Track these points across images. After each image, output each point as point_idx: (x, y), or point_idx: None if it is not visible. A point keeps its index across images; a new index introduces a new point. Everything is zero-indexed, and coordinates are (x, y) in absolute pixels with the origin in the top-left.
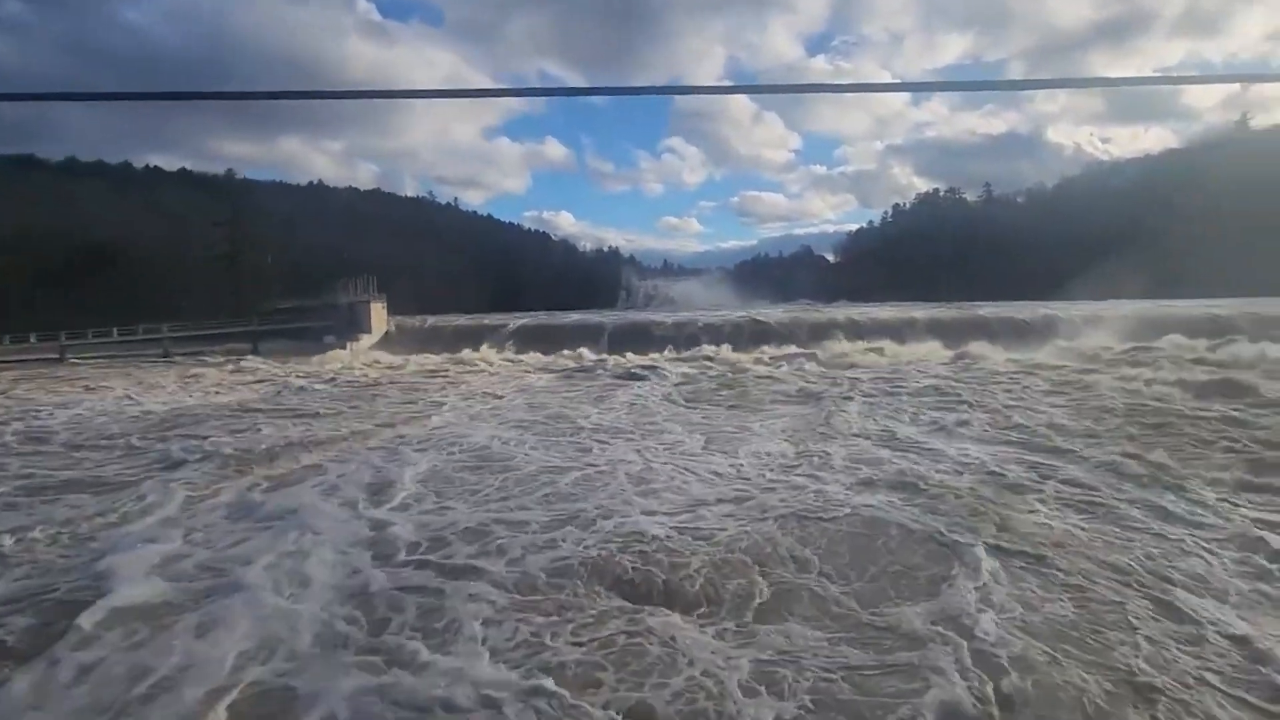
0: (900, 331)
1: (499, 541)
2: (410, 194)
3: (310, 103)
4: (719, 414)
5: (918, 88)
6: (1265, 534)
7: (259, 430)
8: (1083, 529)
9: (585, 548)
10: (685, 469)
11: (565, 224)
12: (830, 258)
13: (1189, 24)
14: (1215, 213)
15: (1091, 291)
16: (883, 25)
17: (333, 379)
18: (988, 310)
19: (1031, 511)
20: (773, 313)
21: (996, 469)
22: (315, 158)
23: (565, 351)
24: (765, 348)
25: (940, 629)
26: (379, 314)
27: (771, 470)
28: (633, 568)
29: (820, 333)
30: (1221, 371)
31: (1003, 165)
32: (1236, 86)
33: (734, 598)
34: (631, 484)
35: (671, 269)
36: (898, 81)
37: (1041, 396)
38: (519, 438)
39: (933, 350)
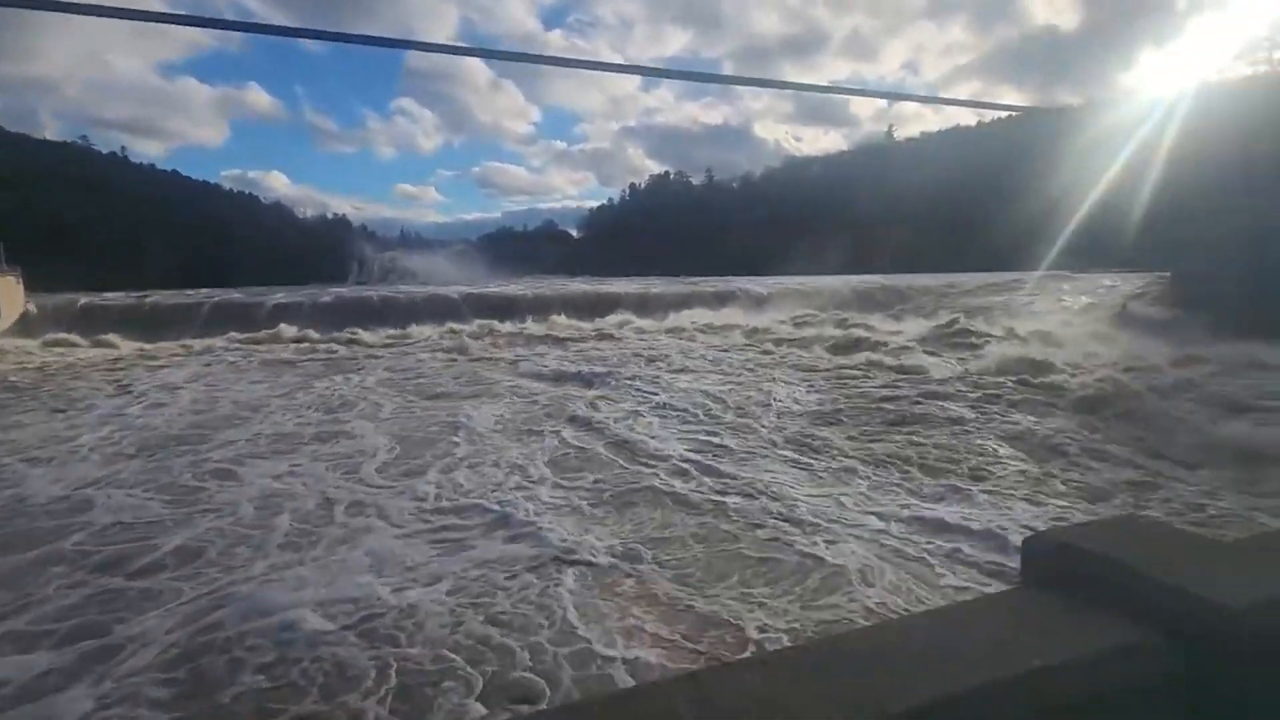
0: (641, 305)
1: None
2: (53, 137)
3: None
4: (434, 407)
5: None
6: None
7: None
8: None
9: None
10: (360, 504)
11: (279, 186)
12: (574, 233)
13: (852, 48)
14: (879, 203)
15: (798, 267)
16: (614, 9)
17: None
18: (715, 284)
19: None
20: (518, 287)
21: (689, 462)
22: None
23: (264, 334)
24: (505, 324)
25: None
26: (10, 291)
27: (477, 496)
28: None
29: (566, 307)
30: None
31: (721, 153)
32: (884, 102)
33: None
34: (266, 544)
35: (410, 240)
36: (625, 63)
37: (779, 369)
38: (129, 472)
39: (670, 323)
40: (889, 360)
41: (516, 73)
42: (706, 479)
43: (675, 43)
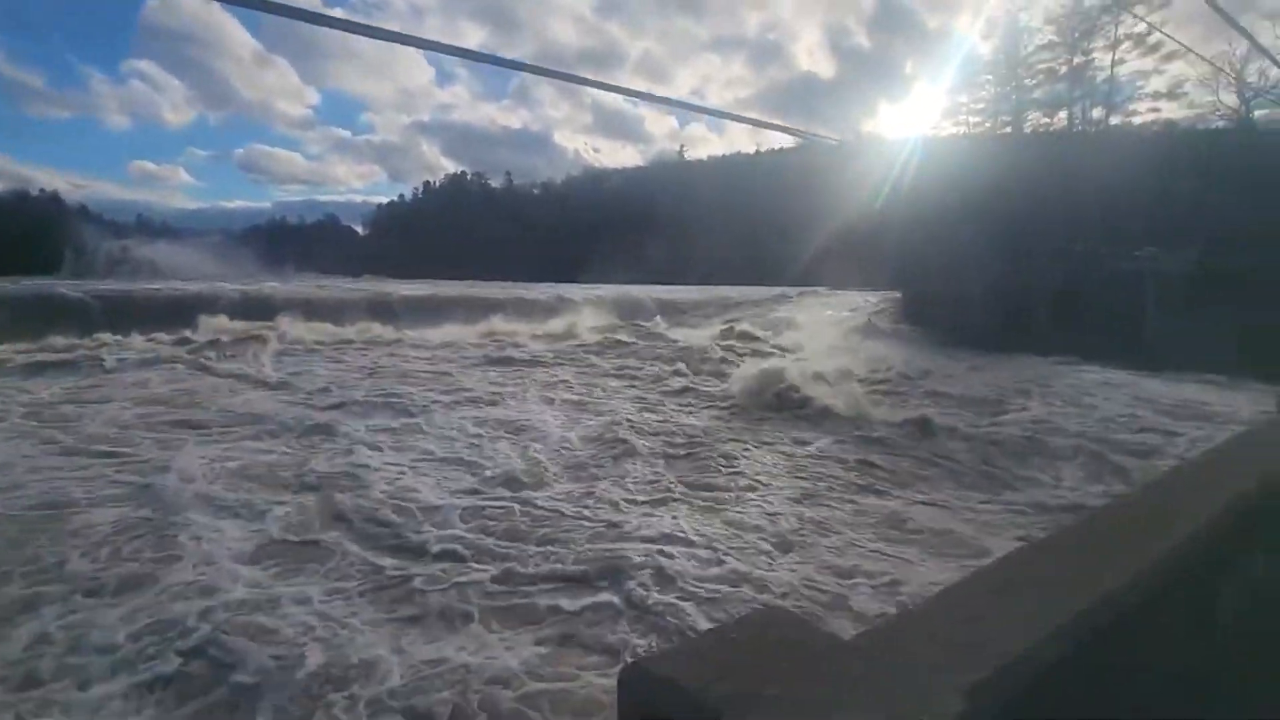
0: (434, 313)
1: None
2: None
3: None
4: (89, 467)
5: None
6: None
7: None
8: None
9: None
10: None
11: None
12: (360, 230)
13: (646, 67)
14: (680, 218)
15: (601, 276)
16: None
17: None
18: (514, 290)
19: None
20: (283, 287)
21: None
22: None
23: None
24: (260, 331)
25: None
26: None
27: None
28: None
29: (338, 311)
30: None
31: (521, 158)
32: (675, 124)
33: None
34: None
35: (152, 227)
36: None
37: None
38: None
39: (457, 334)
40: (679, 380)
41: (289, 50)
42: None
43: (471, 39)
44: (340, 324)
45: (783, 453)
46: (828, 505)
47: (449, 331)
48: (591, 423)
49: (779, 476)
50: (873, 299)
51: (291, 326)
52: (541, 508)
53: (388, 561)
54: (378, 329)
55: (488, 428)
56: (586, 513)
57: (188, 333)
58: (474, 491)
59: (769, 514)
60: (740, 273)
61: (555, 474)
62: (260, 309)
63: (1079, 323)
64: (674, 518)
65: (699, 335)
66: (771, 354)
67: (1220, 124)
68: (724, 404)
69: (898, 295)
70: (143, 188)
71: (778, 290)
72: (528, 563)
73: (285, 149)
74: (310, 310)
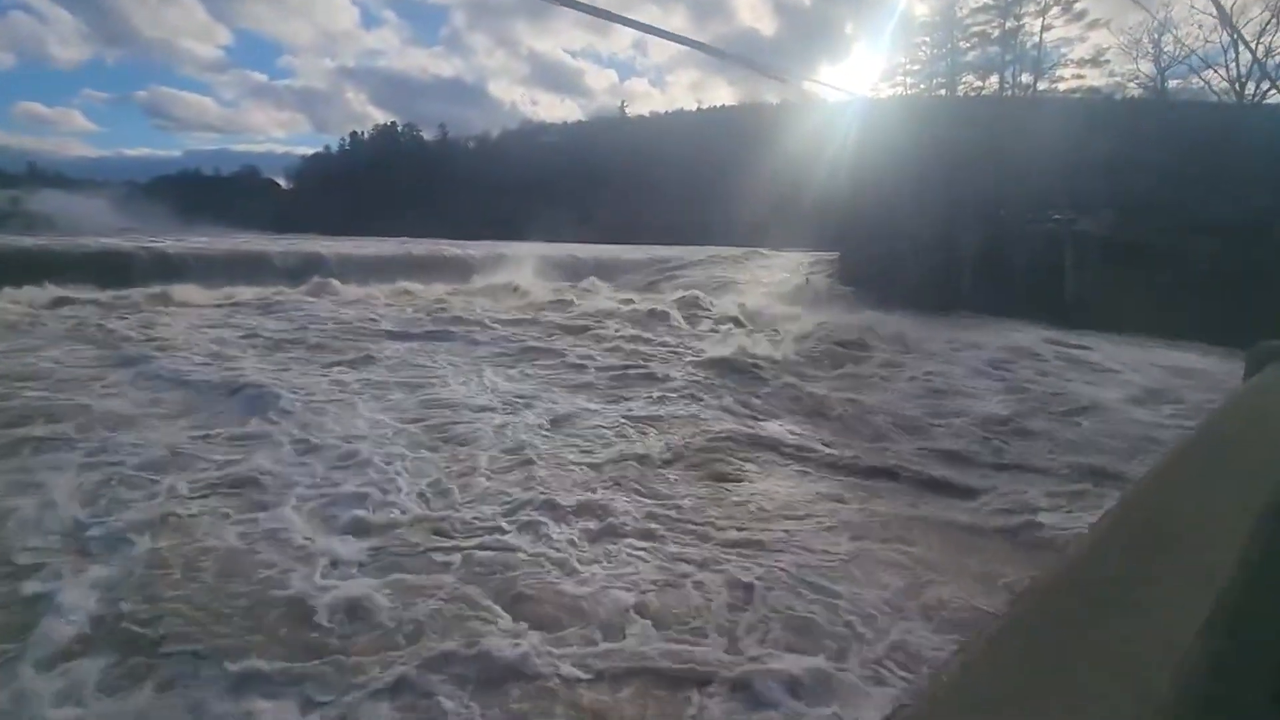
0: (359, 272)
1: None
2: None
3: None
4: None
5: None
6: None
7: None
8: None
9: None
10: None
11: None
12: (282, 183)
13: (584, 18)
14: (619, 176)
15: (536, 234)
16: None
17: None
18: (454, 249)
19: None
20: (194, 243)
21: None
22: None
23: None
24: (173, 291)
25: None
26: None
27: None
28: None
29: (255, 272)
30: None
31: (455, 110)
32: (615, 78)
33: None
34: None
35: (45, 176)
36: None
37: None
38: None
39: (388, 296)
40: (638, 357)
41: None
42: None
43: None
44: (252, 285)
45: (795, 469)
46: (888, 548)
47: (373, 293)
48: (540, 417)
49: (803, 506)
50: (806, 260)
51: (192, 289)
52: (482, 564)
53: (257, 702)
54: (289, 293)
55: (409, 423)
56: (542, 575)
57: (68, 295)
58: (378, 542)
59: (811, 568)
60: (685, 233)
61: (494, 503)
62: (162, 269)
63: (1005, 283)
64: (676, 582)
65: (652, 301)
66: (739, 326)
67: (1138, 93)
68: (699, 393)
69: (835, 256)
70: (32, 133)
71: (725, 251)
72: (444, 687)
73: (195, 93)
74: (221, 271)
